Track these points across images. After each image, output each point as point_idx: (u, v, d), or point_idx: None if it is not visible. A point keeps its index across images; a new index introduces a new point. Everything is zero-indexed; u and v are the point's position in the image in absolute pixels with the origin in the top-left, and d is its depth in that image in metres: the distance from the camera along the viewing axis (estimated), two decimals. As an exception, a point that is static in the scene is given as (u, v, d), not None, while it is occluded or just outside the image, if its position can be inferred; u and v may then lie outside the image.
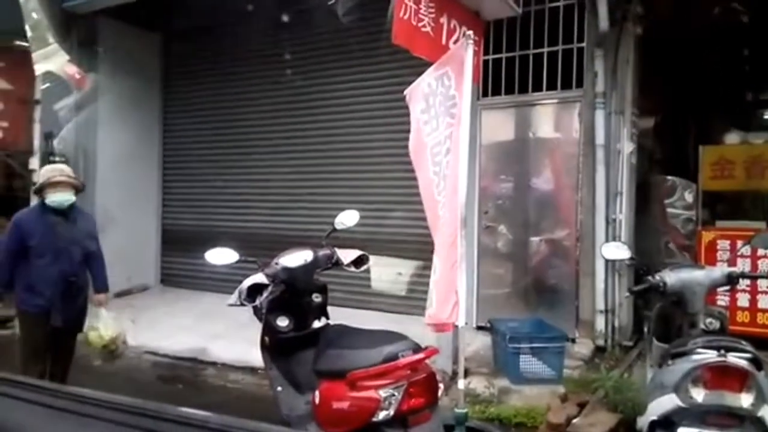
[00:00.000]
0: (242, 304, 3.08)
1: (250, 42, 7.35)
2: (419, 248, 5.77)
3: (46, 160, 6.99)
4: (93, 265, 4.06)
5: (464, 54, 3.50)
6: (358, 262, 3.32)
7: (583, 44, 5.40)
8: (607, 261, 5.13)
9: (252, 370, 5.22)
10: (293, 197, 7.27)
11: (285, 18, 6.82)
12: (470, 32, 3.45)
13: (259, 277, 3.05)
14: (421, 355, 2.35)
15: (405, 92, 4.07)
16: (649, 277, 3.07)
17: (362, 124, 6.74)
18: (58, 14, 6.90)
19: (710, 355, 2.35)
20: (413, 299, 6.13)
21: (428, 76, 3.86)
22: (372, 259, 3.68)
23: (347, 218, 3.45)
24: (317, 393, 2.59)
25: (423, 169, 3.91)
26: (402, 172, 6.29)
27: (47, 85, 6.99)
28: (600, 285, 5.19)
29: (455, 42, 4.08)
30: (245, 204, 7.68)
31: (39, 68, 7.01)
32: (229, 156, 7.82)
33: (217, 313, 5.76)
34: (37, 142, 7.00)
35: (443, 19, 3.96)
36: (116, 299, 7.74)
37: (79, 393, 1.01)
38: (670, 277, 2.99)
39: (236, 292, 3.13)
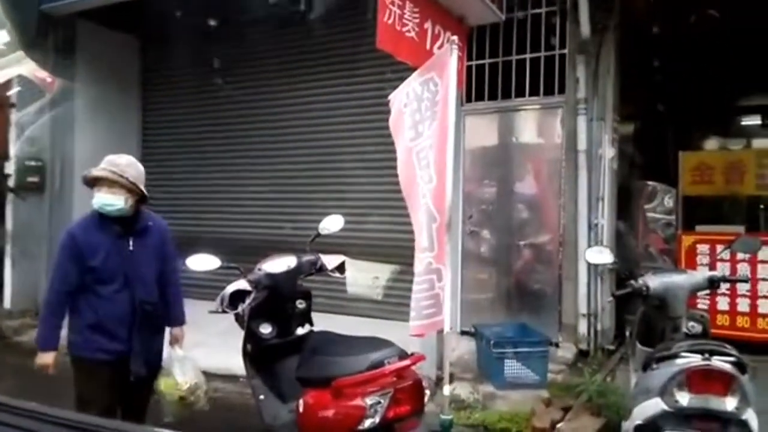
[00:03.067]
0: (224, 311, 3.03)
1: (230, 47, 7.29)
2: (400, 253, 5.76)
3: (22, 164, 6.85)
4: (168, 290, 3.11)
5: (449, 59, 3.51)
6: (342, 267, 3.29)
7: (565, 51, 5.44)
8: (590, 265, 5.18)
9: (233, 378, 5.14)
10: (275, 202, 7.21)
11: (265, 23, 6.80)
12: (455, 37, 3.45)
13: (242, 284, 3.00)
14: (407, 362, 2.33)
15: (389, 97, 4.06)
16: (632, 281, 3.09)
17: (344, 128, 6.71)
18: (35, 17, 6.78)
19: (695, 359, 2.36)
20: (394, 304, 6.13)
21: (413, 81, 3.85)
22: (353, 264, 3.65)
23: (332, 223, 3.41)
24: (301, 401, 2.54)
25: (409, 174, 3.88)
26: (385, 176, 6.31)
27: (18, 89, 6.87)
28: (582, 289, 5.22)
29: (439, 47, 4.08)
30: (226, 209, 7.59)
31: (8, 73, 6.90)
32: (209, 161, 7.74)
33: (197, 321, 5.68)
34: (12, 146, 6.84)
35: (427, 24, 3.97)
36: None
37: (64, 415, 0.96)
38: (653, 281, 3.00)
39: (218, 299, 3.08)
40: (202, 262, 3.06)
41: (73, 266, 2.79)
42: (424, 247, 3.53)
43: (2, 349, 6.38)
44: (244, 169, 7.49)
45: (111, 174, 2.79)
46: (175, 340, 3.16)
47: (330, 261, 3.27)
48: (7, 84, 6.89)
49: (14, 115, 6.91)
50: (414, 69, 3.86)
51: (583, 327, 5.20)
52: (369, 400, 2.22)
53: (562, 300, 5.38)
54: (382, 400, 2.21)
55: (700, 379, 2.31)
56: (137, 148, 8.28)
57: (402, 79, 3.86)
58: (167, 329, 3.18)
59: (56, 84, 7.03)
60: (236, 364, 4.93)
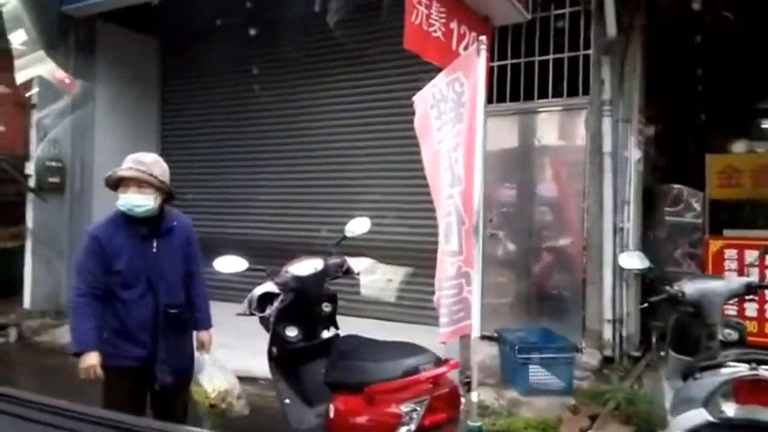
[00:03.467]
0: (251, 314, 3.00)
1: (251, 47, 7.28)
2: (419, 256, 5.70)
3: (42, 165, 6.88)
4: (194, 292, 2.97)
5: (477, 59, 3.45)
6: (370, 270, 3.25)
7: (589, 51, 5.36)
8: (615, 269, 5.09)
9: (254, 380, 5.11)
10: (298, 204, 7.19)
11: (286, 23, 6.77)
12: (483, 37, 3.40)
13: (269, 286, 2.96)
14: (443, 369, 2.27)
15: (413, 98, 4.01)
16: (668, 287, 3.00)
17: (366, 130, 6.68)
18: (56, 17, 6.82)
19: (741, 369, 2.27)
20: (408, 306, 6.08)
21: (438, 82, 3.80)
22: (377, 266, 3.59)
23: (358, 226, 3.37)
24: (331, 407, 2.49)
25: (436, 177, 3.83)
26: (404, 178, 6.26)
27: (36, 90, 6.89)
28: (608, 294, 5.12)
29: (465, 48, 4.03)
30: (247, 210, 7.57)
31: (27, 73, 6.91)
32: (230, 162, 7.73)
33: (220, 323, 5.65)
34: (33, 147, 6.87)
35: (453, 24, 3.91)
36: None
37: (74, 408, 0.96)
38: (689, 287, 2.92)
39: (245, 302, 3.04)
40: (229, 264, 3.03)
41: (98, 269, 2.69)
42: (454, 250, 3.47)
43: (22, 349, 6.42)
44: (265, 170, 7.48)
45: (140, 173, 2.69)
46: (201, 345, 3.04)
47: (356, 264, 3.23)
48: (28, 85, 6.93)
49: (35, 116, 6.94)
50: (439, 69, 3.82)
51: (608, 333, 5.10)
52: (404, 408, 2.16)
53: (585, 305, 5.29)
54: (418, 408, 2.16)
55: (747, 390, 2.23)
56: (156, 149, 8.28)
57: (428, 80, 3.82)
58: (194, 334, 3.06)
59: (75, 85, 7.04)
60: (257, 366, 4.93)
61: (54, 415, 0.94)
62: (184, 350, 2.89)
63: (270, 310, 2.89)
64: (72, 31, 7.16)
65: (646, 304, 3.49)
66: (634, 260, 3.22)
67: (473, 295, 3.38)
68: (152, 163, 2.81)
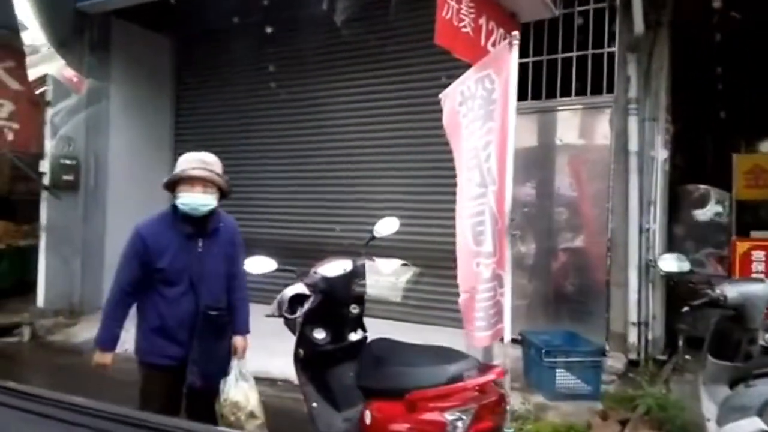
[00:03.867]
0: (281, 316, 2.92)
1: (267, 45, 7.21)
2: (438, 256, 5.62)
3: (57, 162, 6.83)
4: (234, 295, 2.94)
5: (508, 55, 3.37)
6: (399, 271, 3.16)
7: (614, 49, 5.25)
8: (641, 271, 4.99)
9: (271, 381, 5.04)
10: (313, 203, 7.10)
11: (302, 20, 6.69)
12: (515, 33, 3.31)
13: (300, 287, 2.89)
14: (491, 376, 2.18)
15: (440, 96, 3.93)
16: (709, 291, 2.90)
17: (386, 128, 6.60)
18: (71, 14, 6.76)
19: (800, 377, 2.17)
20: (427, 308, 6.00)
21: (467, 79, 3.71)
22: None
23: (386, 226, 3.28)
24: (367, 412, 2.41)
25: (462, 175, 3.75)
26: (427, 177, 6.18)
27: (50, 87, 6.83)
28: (633, 296, 5.02)
29: (493, 44, 3.94)
30: (265, 210, 7.48)
31: (36, 71, 6.87)
32: (247, 161, 7.65)
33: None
34: (48, 144, 6.82)
35: (482, 20, 3.82)
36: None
37: (68, 400, 0.96)
38: (730, 291, 2.82)
39: (275, 303, 2.97)
40: (259, 265, 2.94)
41: (139, 266, 2.70)
42: (489, 252, 3.38)
43: (36, 348, 6.37)
44: (282, 170, 7.40)
45: (209, 173, 2.73)
46: (234, 350, 2.94)
47: (385, 265, 3.14)
48: (41, 82, 6.88)
49: (49, 113, 6.89)
50: (456, 67, 3.73)
51: (633, 336, 5.00)
52: (449, 416, 2.07)
53: (610, 307, 5.18)
54: (464, 417, 2.07)
55: (806, 399, 2.13)
56: (170, 147, 8.25)
57: (452, 77, 3.73)
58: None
59: (84, 84, 6.99)
60: (274, 367, 4.89)
61: (67, 411, 0.94)
62: (218, 354, 2.82)
63: (300, 312, 2.81)
64: (87, 28, 7.11)
65: (687, 308, 3.41)
66: (673, 263, 3.13)
67: (505, 297, 3.29)
68: (215, 162, 2.85)
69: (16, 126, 6.90)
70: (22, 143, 6.91)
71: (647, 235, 5.07)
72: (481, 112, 3.51)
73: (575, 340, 4.75)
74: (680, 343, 5.07)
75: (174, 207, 2.78)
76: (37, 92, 6.71)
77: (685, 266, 3.07)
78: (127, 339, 2.86)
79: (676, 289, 5.09)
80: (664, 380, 4.67)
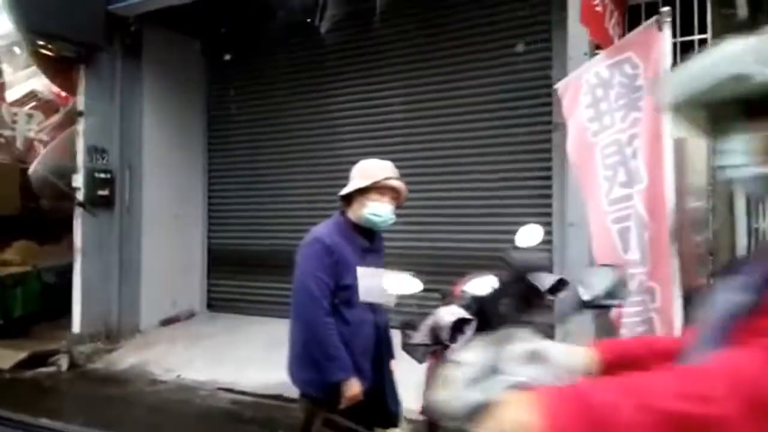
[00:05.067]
0: (434, 344, 2.47)
1: (305, 49, 6.81)
2: (479, 264, 5.21)
3: (91, 177, 6.36)
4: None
5: (658, 35, 2.95)
6: (559, 287, 2.72)
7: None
8: None
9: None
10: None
11: (338, 25, 6.27)
12: (667, 8, 2.91)
13: (458, 311, 2.44)
14: None
15: (557, 86, 3.53)
16: None
17: (427, 131, 6.21)
18: (102, 20, 6.31)
19: None
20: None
21: (596, 66, 3.29)
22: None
23: (529, 235, 2.83)
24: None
25: (589, 174, 3.33)
26: (457, 182, 5.75)
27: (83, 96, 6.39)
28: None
29: (614, 26, 3.53)
30: (301, 221, 7.02)
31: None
32: (282, 171, 7.21)
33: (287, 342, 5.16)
34: (80, 157, 6.35)
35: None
36: (163, 328, 7.10)
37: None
38: None
39: (425, 329, 2.48)
40: (402, 285, 2.49)
41: (331, 283, 2.39)
42: (635, 260, 2.96)
43: (77, 378, 5.86)
44: (323, 179, 6.94)
45: (402, 185, 2.52)
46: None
47: (542, 280, 2.70)
48: (74, 90, 6.45)
49: (81, 125, 6.43)
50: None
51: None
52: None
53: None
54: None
55: None
56: (203, 157, 7.80)
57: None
58: None
59: (70, 100, 6.61)
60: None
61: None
62: (393, 382, 2.63)
63: (463, 340, 2.36)
64: (118, 33, 6.66)
65: None
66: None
67: (667, 314, 2.86)
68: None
69: (46, 138, 6.42)
70: (55, 157, 6.43)
71: (756, 236, 4.65)
72: (622, 102, 3.10)
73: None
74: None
75: (345, 217, 2.54)
76: (70, 102, 6.28)
77: None
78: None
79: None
80: None
